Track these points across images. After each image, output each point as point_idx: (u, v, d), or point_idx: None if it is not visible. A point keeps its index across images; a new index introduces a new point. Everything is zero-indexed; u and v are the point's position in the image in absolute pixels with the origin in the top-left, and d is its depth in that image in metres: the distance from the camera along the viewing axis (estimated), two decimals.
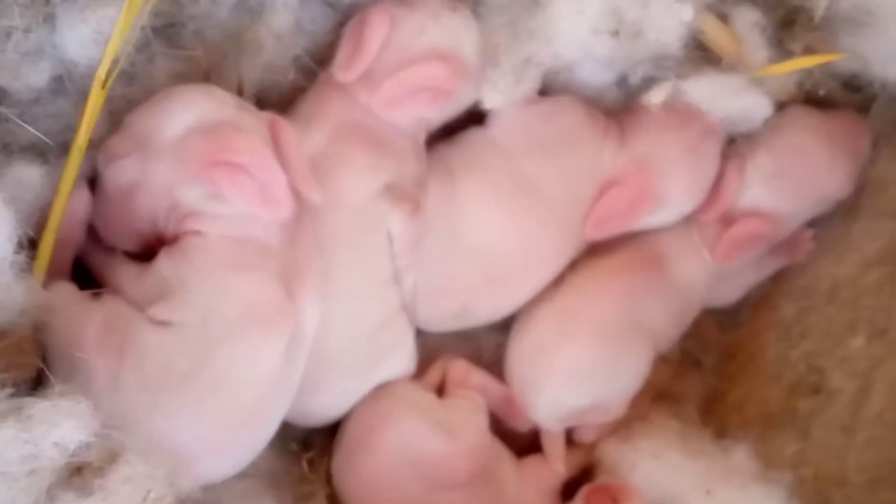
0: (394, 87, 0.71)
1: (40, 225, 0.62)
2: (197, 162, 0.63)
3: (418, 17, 0.73)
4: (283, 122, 0.67)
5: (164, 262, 0.65)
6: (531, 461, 0.80)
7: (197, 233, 0.65)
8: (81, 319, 0.62)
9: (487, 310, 0.79)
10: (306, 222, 0.67)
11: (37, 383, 0.56)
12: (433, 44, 0.72)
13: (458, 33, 0.74)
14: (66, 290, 0.64)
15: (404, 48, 0.72)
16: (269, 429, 0.66)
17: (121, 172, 0.65)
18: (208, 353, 0.62)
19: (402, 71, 0.71)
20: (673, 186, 0.79)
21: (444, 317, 0.79)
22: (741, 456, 0.77)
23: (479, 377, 0.80)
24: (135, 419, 0.59)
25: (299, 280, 0.66)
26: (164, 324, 0.62)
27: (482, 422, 0.77)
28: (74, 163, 0.62)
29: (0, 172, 0.61)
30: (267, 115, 0.67)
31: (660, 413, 0.84)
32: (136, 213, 0.66)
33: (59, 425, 0.51)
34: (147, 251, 0.67)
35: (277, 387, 0.65)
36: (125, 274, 0.66)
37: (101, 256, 0.68)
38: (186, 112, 0.64)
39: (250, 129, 0.65)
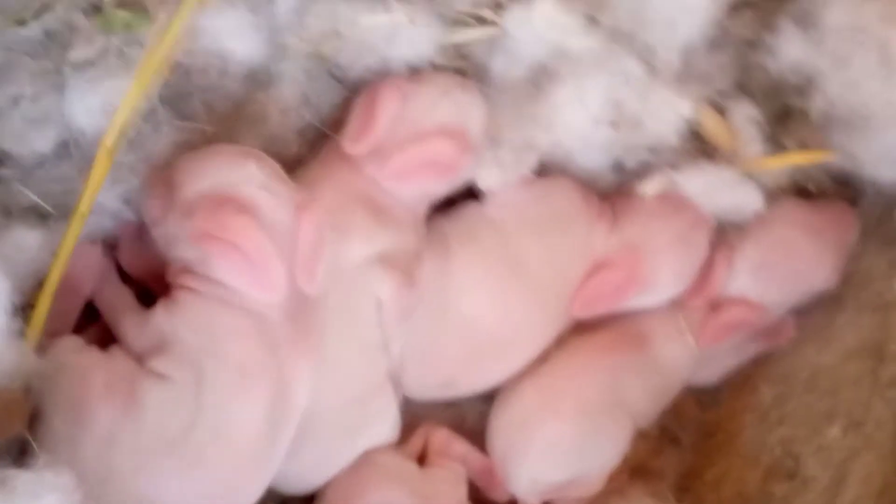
0: (403, 161, 0.73)
1: (36, 288, 0.63)
2: (194, 230, 0.64)
3: (430, 94, 0.74)
4: (312, 210, 0.68)
5: (160, 313, 0.66)
6: None
7: (191, 290, 0.66)
8: (87, 370, 0.63)
9: (473, 383, 0.81)
10: (311, 300, 0.69)
11: (20, 453, 0.57)
12: (443, 120, 0.74)
13: (467, 110, 0.75)
14: (72, 344, 0.65)
15: (415, 123, 0.74)
16: (249, 501, 0.67)
17: (150, 208, 0.67)
18: (199, 414, 0.63)
19: (412, 146, 0.73)
20: (661, 271, 0.80)
21: (430, 387, 0.80)
22: None
23: (460, 447, 0.81)
24: (121, 480, 0.61)
25: (292, 353, 0.67)
26: (162, 377, 0.63)
27: (461, 493, 0.78)
28: (76, 229, 0.63)
29: None
30: (298, 198, 0.68)
31: (636, 489, 0.85)
32: (153, 248, 0.68)
33: (42, 498, 0.51)
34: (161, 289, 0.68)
35: (261, 456, 0.66)
36: (129, 321, 0.67)
37: (109, 302, 0.70)
38: (208, 175, 0.65)
39: (262, 209, 0.65)
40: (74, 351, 0.64)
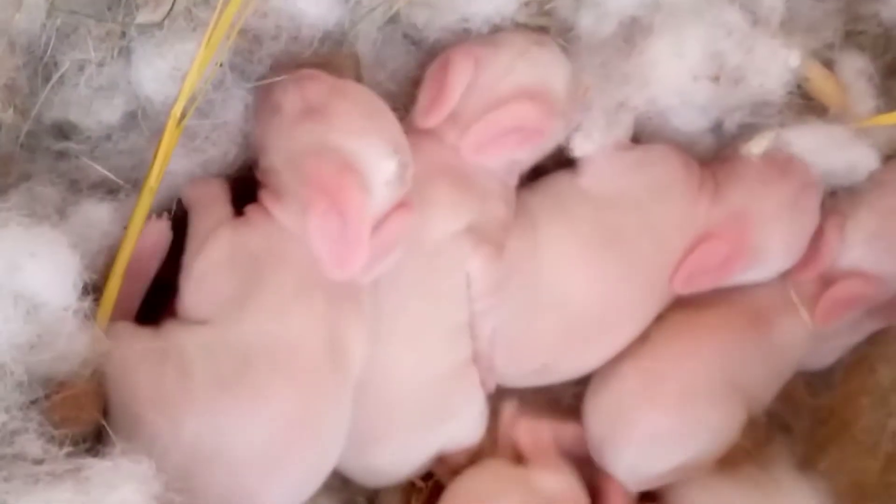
0: (482, 130, 0.68)
1: (107, 265, 0.60)
2: (312, 175, 0.61)
3: (505, 56, 0.70)
4: (407, 209, 0.65)
5: (226, 230, 0.63)
6: None
7: (266, 213, 0.63)
8: (132, 367, 0.59)
9: (569, 367, 0.75)
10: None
11: (96, 441, 0.53)
12: (522, 82, 0.69)
13: (548, 69, 0.71)
14: (127, 330, 0.62)
15: (492, 89, 0.69)
16: (323, 448, 0.63)
17: (284, 98, 0.64)
18: (255, 340, 0.60)
19: (491, 113, 0.68)
20: (770, 242, 0.74)
21: (522, 373, 0.75)
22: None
23: (547, 433, 0.75)
24: (192, 446, 0.57)
25: (348, 310, 0.64)
26: (202, 322, 0.61)
27: (580, 494, 0.73)
28: (146, 203, 0.60)
29: (67, 212, 0.58)
30: (404, 195, 0.65)
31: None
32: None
33: (118, 488, 0.48)
34: None
35: (324, 392, 0.62)
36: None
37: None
38: (353, 132, 0.63)
39: (377, 196, 0.63)
40: (123, 340, 0.60)
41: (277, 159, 0.64)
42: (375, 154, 0.62)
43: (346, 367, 0.63)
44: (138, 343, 0.60)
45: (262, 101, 0.65)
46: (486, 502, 0.69)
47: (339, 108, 0.63)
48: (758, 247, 0.74)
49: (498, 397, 0.75)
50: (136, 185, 0.61)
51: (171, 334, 0.61)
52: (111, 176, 0.60)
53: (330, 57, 0.67)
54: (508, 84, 0.69)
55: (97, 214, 0.59)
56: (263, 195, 0.64)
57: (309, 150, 0.62)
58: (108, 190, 0.61)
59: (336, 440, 0.63)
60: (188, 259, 0.63)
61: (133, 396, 0.58)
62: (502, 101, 0.69)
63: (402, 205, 0.64)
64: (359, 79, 0.69)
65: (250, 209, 0.65)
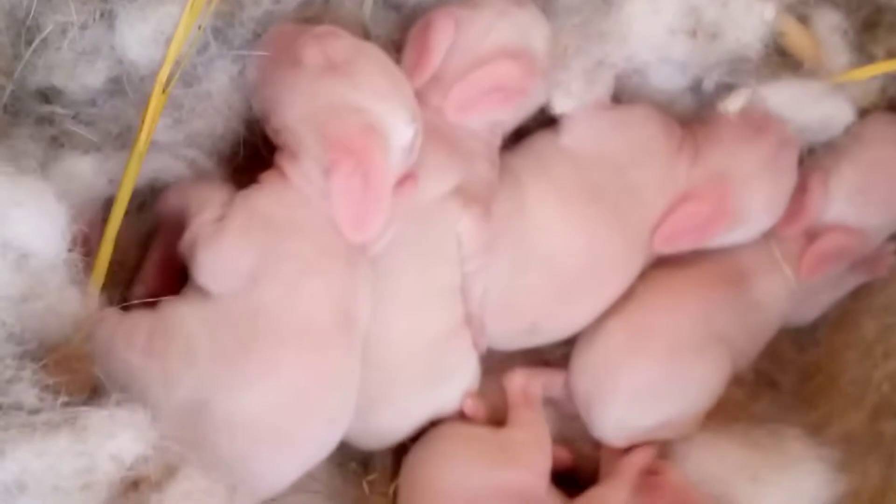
0: (464, 89, 0.69)
1: (93, 222, 0.59)
2: (335, 135, 0.61)
3: (485, 17, 0.70)
4: (414, 180, 0.65)
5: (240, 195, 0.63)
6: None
7: (281, 178, 0.63)
8: (130, 331, 0.59)
9: (558, 325, 0.76)
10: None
11: (92, 393, 0.53)
12: (502, 42, 0.70)
13: (527, 29, 0.71)
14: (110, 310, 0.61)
15: (472, 49, 0.70)
16: (334, 417, 0.62)
17: (305, 52, 0.63)
18: (258, 322, 0.59)
19: (472, 73, 0.69)
20: (751, 202, 0.75)
21: (512, 334, 0.75)
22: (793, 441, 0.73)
23: (537, 385, 0.76)
24: (191, 417, 0.57)
25: (358, 268, 0.64)
26: (205, 296, 0.60)
27: (543, 453, 0.72)
28: (134, 169, 0.60)
29: (49, 167, 0.58)
30: (411, 169, 0.65)
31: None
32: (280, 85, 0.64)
33: (115, 437, 0.47)
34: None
35: (334, 358, 0.62)
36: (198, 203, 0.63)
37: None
38: (378, 94, 0.62)
39: (397, 153, 0.63)
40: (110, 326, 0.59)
41: (293, 117, 0.63)
42: (397, 119, 0.62)
43: (355, 335, 0.63)
44: (130, 320, 0.59)
45: (278, 53, 0.64)
46: (445, 470, 0.69)
47: (364, 67, 0.63)
48: (739, 207, 0.75)
49: (488, 359, 0.75)
50: (122, 146, 0.60)
51: (171, 311, 0.60)
52: (94, 139, 0.60)
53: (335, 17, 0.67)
54: (489, 44, 0.70)
55: (79, 167, 0.59)
56: (278, 156, 0.64)
57: (330, 109, 0.62)
58: (92, 148, 0.61)
59: (346, 409, 0.63)
60: (196, 232, 0.62)
61: (127, 377, 0.57)
62: (483, 60, 0.69)
63: (409, 175, 0.65)
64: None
65: (264, 176, 0.64)
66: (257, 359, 0.58)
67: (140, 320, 0.60)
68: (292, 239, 0.61)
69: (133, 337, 0.58)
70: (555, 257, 0.73)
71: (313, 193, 0.62)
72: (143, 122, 0.60)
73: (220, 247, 0.60)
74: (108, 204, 0.60)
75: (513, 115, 0.73)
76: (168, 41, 0.59)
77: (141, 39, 0.59)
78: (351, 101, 0.62)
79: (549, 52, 0.71)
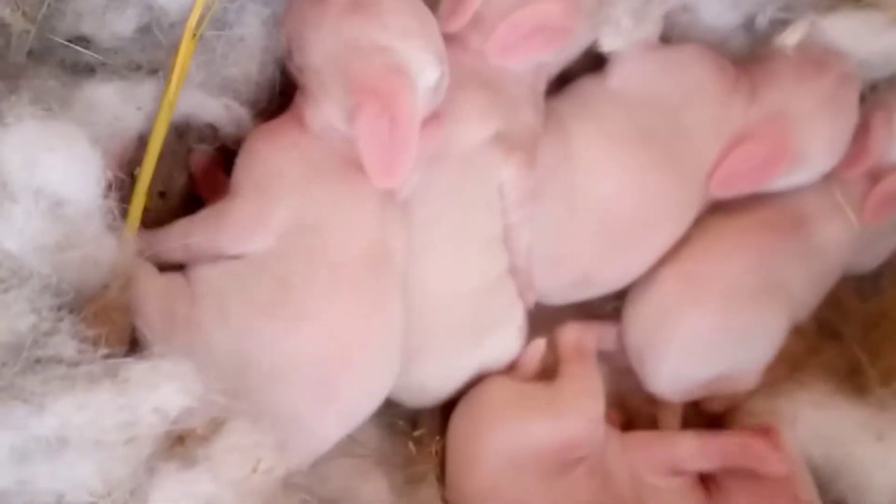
0: (507, 31, 0.66)
1: (122, 155, 0.57)
2: (362, 76, 0.58)
3: None
4: (439, 122, 0.63)
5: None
6: (640, 438, 0.72)
7: (296, 117, 0.61)
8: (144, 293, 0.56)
9: (610, 276, 0.73)
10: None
11: (133, 345, 0.51)
12: None
13: None
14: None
15: None
16: (378, 364, 0.60)
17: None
18: (287, 266, 0.58)
19: (515, 13, 0.66)
20: (811, 142, 0.71)
21: (562, 287, 0.72)
22: None
23: (590, 338, 0.73)
24: (231, 377, 0.53)
25: (390, 207, 0.62)
26: (236, 257, 0.58)
27: (597, 404, 0.69)
28: (165, 118, 0.58)
29: (70, 96, 0.55)
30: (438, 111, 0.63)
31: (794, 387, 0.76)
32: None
33: (158, 389, 0.46)
34: None
35: (368, 301, 0.59)
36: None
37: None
38: (406, 35, 0.60)
39: (423, 95, 0.60)
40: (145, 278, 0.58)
41: (317, 56, 0.60)
42: (424, 60, 0.60)
43: (391, 279, 0.61)
44: (162, 280, 0.58)
45: None
46: (490, 428, 0.67)
47: (392, 7, 0.60)
48: (798, 148, 0.71)
49: (537, 315, 0.73)
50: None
51: (202, 273, 0.58)
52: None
53: None
54: None
55: (104, 95, 0.56)
56: (298, 99, 0.62)
57: (355, 48, 0.59)
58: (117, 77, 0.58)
59: (389, 356, 0.61)
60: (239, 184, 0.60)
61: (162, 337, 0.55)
62: (525, 1, 0.66)
63: (435, 117, 0.62)
64: None
65: (285, 118, 0.62)
66: (292, 308, 0.57)
67: (171, 285, 0.58)
68: (312, 188, 0.59)
69: (168, 303, 0.56)
70: (605, 205, 0.70)
71: (334, 138, 0.60)
72: (172, 68, 0.58)
73: (238, 222, 0.59)
74: (138, 137, 0.57)
75: (557, 57, 0.70)
76: None
77: None
78: (377, 41, 0.59)
79: None
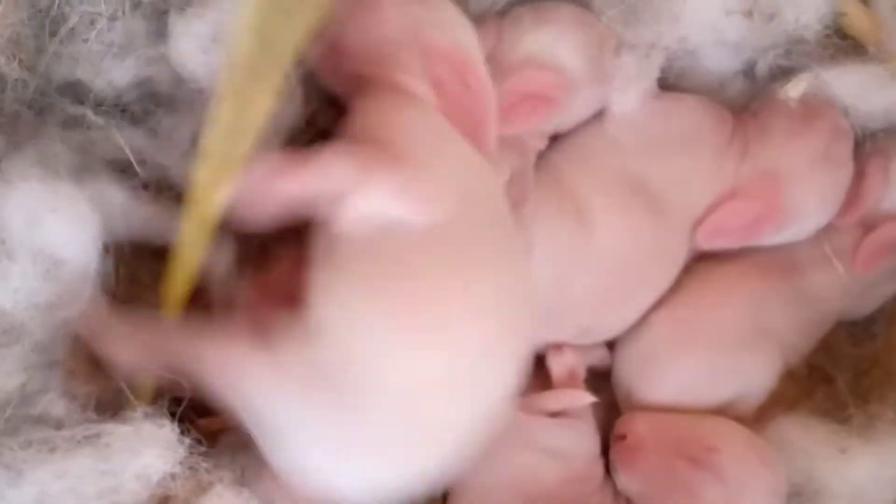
0: (500, 97, 0.65)
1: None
2: (431, 48, 0.60)
3: (516, 31, 0.69)
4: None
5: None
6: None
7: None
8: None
9: (609, 327, 0.73)
10: None
11: (119, 406, 0.51)
12: (528, 53, 0.68)
13: (553, 43, 0.69)
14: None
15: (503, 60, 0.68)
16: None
17: None
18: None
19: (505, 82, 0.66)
20: (803, 200, 0.71)
21: (560, 338, 0.73)
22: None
23: (582, 363, 0.73)
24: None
25: None
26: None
27: (591, 446, 0.71)
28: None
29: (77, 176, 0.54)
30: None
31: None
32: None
33: (140, 454, 0.46)
34: None
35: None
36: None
37: None
38: (457, 20, 0.62)
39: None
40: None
41: (384, 38, 0.61)
42: (475, 44, 0.63)
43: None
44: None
45: None
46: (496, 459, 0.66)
47: (439, 3, 0.63)
48: (790, 206, 0.71)
49: None
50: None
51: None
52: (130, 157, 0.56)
53: None
54: (515, 57, 0.68)
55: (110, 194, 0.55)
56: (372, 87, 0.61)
57: (419, 28, 0.61)
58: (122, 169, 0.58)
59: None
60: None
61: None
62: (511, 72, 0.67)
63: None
64: None
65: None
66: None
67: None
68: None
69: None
70: (602, 258, 0.70)
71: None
72: None
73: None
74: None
75: (552, 126, 0.71)
76: None
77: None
78: (436, 22, 0.61)
79: (586, 62, 0.69)
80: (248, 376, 0.47)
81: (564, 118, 0.71)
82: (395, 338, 0.48)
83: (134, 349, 0.50)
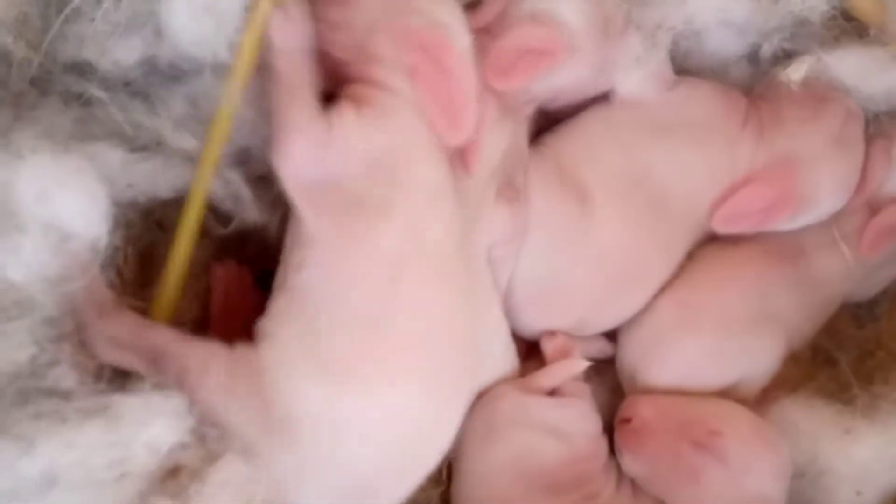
0: (498, 53, 0.66)
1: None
2: (404, 34, 0.60)
3: None
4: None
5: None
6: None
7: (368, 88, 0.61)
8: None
9: (604, 320, 0.73)
10: None
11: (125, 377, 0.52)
12: (533, 12, 0.67)
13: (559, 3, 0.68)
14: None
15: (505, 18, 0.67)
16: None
17: None
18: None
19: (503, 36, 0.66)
20: (819, 186, 0.71)
21: (556, 329, 0.73)
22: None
23: (576, 344, 0.73)
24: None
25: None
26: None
27: (591, 424, 0.71)
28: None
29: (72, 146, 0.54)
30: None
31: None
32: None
33: (150, 425, 0.46)
34: None
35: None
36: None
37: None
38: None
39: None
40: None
41: (363, 26, 0.61)
42: (456, 22, 0.62)
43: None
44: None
45: None
46: (498, 437, 0.67)
47: None
48: (807, 191, 0.71)
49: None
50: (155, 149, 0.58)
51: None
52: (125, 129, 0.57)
53: None
54: (517, 14, 0.67)
55: (106, 158, 0.56)
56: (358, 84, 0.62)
57: (394, 13, 0.61)
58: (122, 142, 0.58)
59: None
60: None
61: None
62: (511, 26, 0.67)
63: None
64: None
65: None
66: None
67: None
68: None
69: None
70: (601, 250, 0.70)
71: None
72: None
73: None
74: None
75: (549, 87, 0.70)
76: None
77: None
78: (412, 4, 0.61)
79: (588, 25, 0.68)
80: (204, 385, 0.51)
81: (563, 79, 0.70)
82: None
83: (118, 335, 0.52)
